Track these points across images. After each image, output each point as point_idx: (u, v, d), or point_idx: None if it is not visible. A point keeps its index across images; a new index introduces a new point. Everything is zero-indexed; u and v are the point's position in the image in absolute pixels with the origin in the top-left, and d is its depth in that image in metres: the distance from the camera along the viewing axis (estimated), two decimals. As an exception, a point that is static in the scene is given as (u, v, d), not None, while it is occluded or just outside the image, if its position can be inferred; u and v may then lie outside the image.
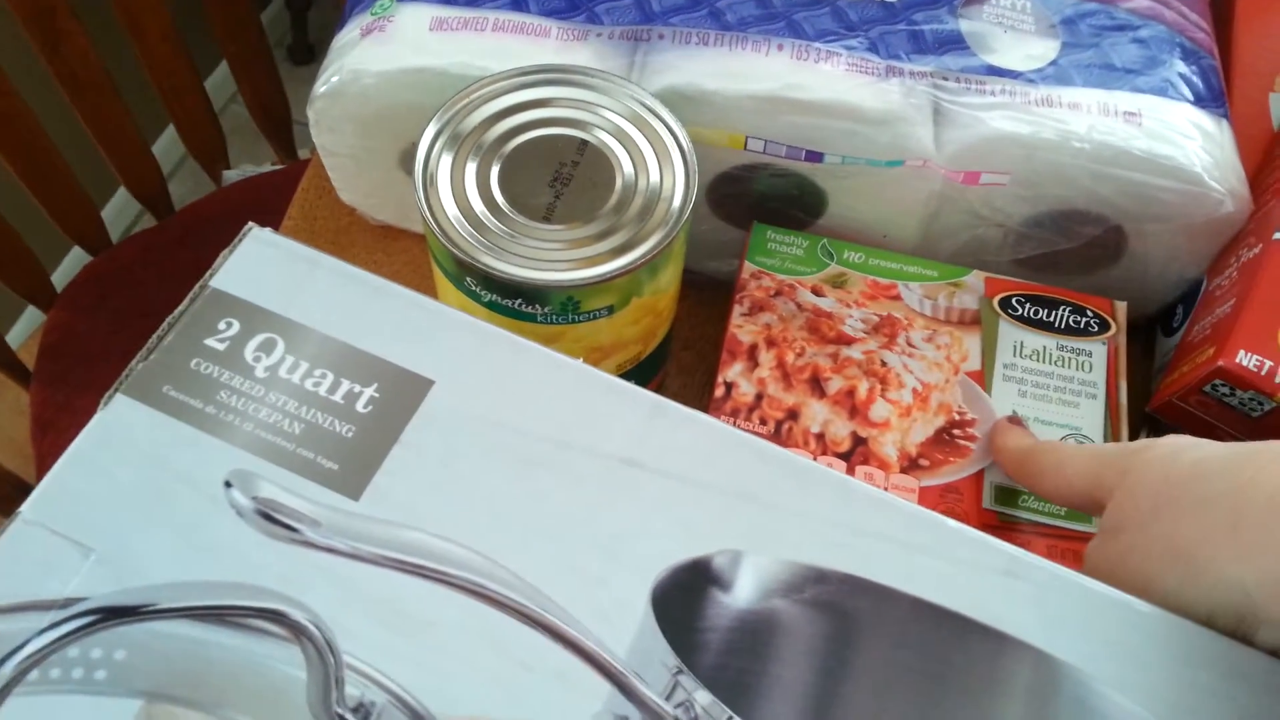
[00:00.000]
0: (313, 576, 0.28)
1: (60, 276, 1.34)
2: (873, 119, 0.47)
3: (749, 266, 0.50)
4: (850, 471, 0.46)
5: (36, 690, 0.26)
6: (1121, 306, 0.50)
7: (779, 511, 0.29)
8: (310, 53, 1.78)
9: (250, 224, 0.34)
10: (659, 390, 0.55)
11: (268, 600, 0.27)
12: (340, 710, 0.26)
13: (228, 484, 0.29)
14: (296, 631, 0.27)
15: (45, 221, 0.96)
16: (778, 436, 0.46)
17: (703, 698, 0.26)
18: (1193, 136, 0.47)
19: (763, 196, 0.52)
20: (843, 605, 0.28)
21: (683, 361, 0.56)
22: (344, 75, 0.48)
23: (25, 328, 1.43)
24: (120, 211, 1.51)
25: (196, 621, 0.28)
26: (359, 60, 0.48)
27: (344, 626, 0.27)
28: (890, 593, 0.28)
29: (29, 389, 0.98)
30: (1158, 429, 0.51)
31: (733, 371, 0.48)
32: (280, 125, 1.07)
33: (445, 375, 0.31)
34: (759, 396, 0.47)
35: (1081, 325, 0.49)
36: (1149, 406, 0.50)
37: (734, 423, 0.47)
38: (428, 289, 0.46)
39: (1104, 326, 0.49)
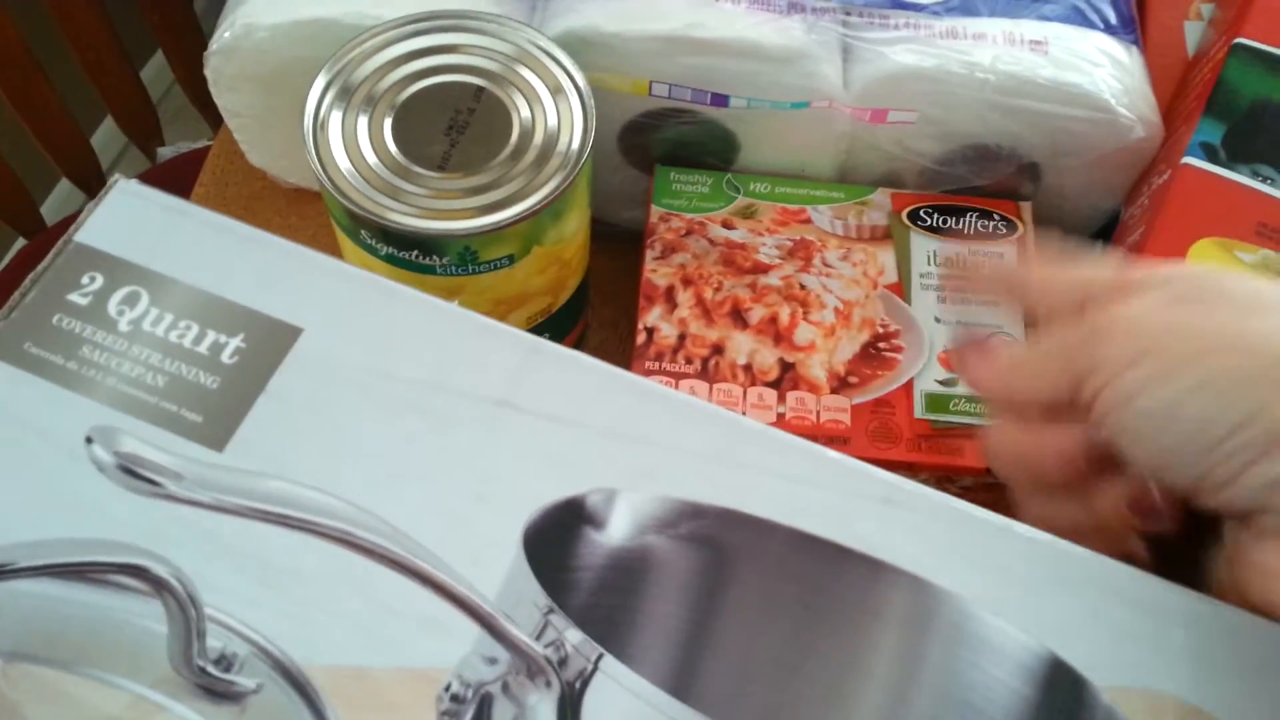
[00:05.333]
0: (176, 530, 0.27)
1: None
2: (776, 57, 0.46)
3: (656, 210, 0.50)
4: (781, 398, 0.45)
5: (-115, 656, 0.26)
6: (1026, 207, 0.50)
7: (658, 449, 0.29)
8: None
9: (116, 176, 0.33)
10: (579, 343, 0.54)
11: (128, 555, 0.27)
12: (201, 663, 0.26)
13: (89, 440, 0.28)
14: (157, 586, 0.26)
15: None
16: (705, 373, 0.46)
17: (573, 636, 0.26)
18: (1101, 64, 0.47)
19: (674, 143, 0.51)
20: (718, 539, 0.28)
21: (604, 315, 0.55)
22: (236, 30, 0.47)
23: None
24: (66, 200, 1.48)
25: (55, 579, 0.27)
26: (251, 14, 0.47)
27: (207, 579, 0.27)
28: (766, 525, 0.28)
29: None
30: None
31: (652, 316, 0.47)
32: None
33: (314, 323, 0.30)
34: (682, 337, 0.47)
35: (990, 229, 0.50)
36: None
37: (659, 366, 0.46)
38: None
39: (1011, 228, 0.49)
